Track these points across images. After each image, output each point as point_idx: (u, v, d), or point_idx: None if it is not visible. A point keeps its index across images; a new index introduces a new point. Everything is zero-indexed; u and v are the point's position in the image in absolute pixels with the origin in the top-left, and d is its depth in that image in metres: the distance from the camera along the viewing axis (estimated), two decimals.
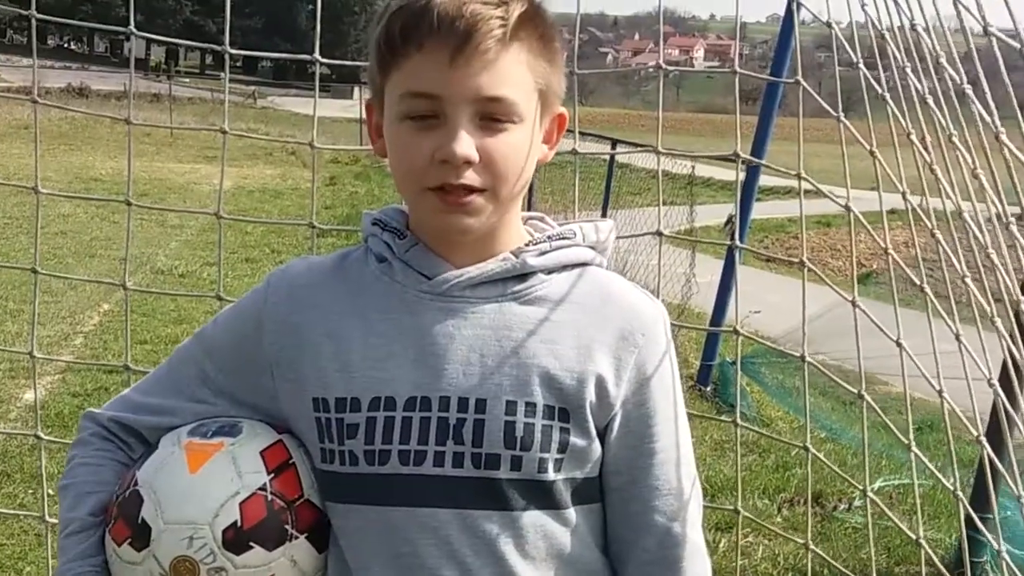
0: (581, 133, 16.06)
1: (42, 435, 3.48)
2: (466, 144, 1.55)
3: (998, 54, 2.52)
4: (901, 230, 3.29)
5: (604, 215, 12.54)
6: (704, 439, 7.58)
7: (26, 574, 5.08)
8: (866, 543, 5.72)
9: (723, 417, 7.49)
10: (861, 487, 3.41)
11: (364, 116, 1.75)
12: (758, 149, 8.08)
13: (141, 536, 1.63)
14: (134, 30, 3.08)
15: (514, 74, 1.59)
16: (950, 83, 2.54)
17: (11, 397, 7.45)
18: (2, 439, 6.57)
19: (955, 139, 2.57)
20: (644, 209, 12.71)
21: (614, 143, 13.45)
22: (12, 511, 5.45)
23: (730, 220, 8.37)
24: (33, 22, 3.20)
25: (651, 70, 3.24)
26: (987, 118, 2.42)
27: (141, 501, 1.65)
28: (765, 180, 9.11)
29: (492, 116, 1.58)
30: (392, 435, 1.61)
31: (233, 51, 3.10)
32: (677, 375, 1.74)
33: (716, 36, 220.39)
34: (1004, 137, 2.35)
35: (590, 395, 1.64)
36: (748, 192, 8.57)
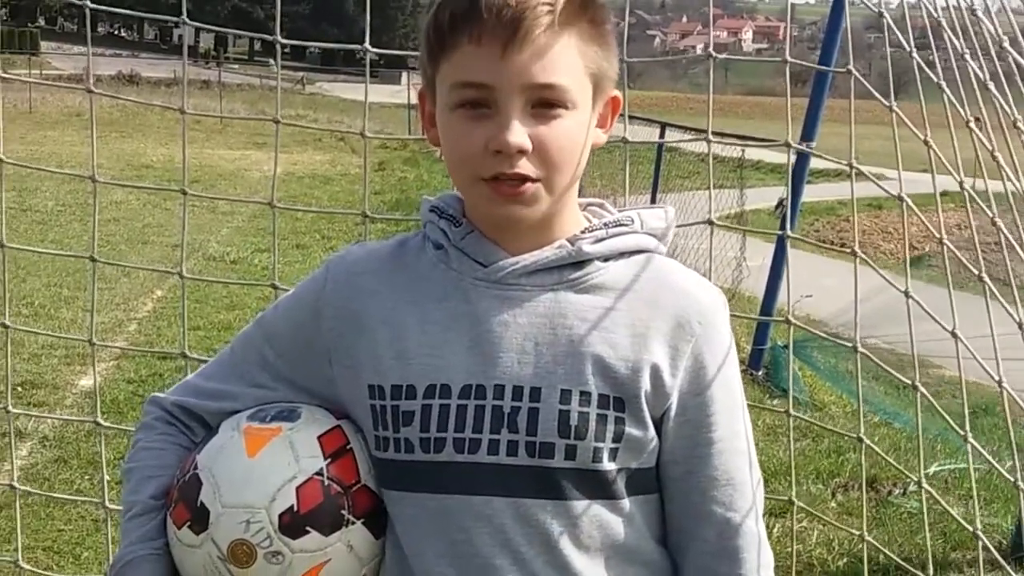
0: (630, 117, 16.00)
1: (102, 421, 3.52)
2: (519, 133, 1.54)
3: None
4: (954, 212, 3.26)
5: (653, 199, 12.49)
6: (757, 424, 7.48)
7: (84, 559, 5.14)
8: (921, 528, 5.67)
9: (775, 403, 7.45)
10: (915, 475, 3.37)
11: (415, 102, 1.74)
12: (808, 133, 8.01)
13: (200, 519, 1.64)
14: (186, 19, 3.09)
15: (565, 60, 1.57)
16: (1014, 66, 2.49)
17: (67, 383, 7.54)
18: (58, 425, 6.64)
19: (1020, 124, 2.52)
20: (694, 193, 12.63)
21: (663, 127, 13.39)
22: (70, 496, 5.50)
23: (780, 203, 8.30)
24: (88, 12, 3.22)
25: (699, 53, 3.21)
26: None
27: (200, 485, 1.66)
28: (816, 163, 9.03)
29: (545, 103, 1.57)
30: (447, 423, 1.61)
31: (284, 40, 3.10)
32: (736, 364, 1.72)
33: (764, 17, 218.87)
34: None
35: (645, 384, 1.62)
36: (799, 176, 8.51)
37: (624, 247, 1.70)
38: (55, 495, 5.44)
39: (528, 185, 1.57)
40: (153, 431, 1.83)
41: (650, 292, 1.67)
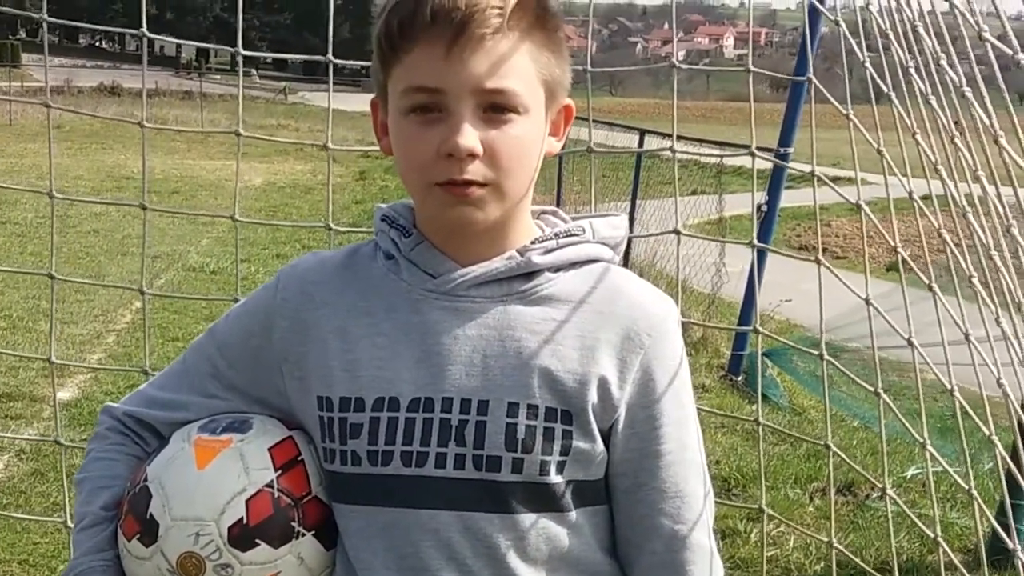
0: (609, 124, 16.01)
1: (62, 440, 3.51)
2: (470, 136, 1.53)
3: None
4: (934, 217, 3.25)
5: (633, 205, 12.50)
6: (736, 428, 7.56)
7: (60, 572, 5.11)
8: (899, 530, 5.69)
9: (753, 408, 7.44)
10: (887, 480, 3.37)
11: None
12: (785, 138, 8.03)
13: (149, 532, 1.63)
14: (145, 31, 3.08)
15: (516, 65, 1.56)
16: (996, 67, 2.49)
17: (45, 396, 7.50)
18: (36, 436, 6.61)
19: (1001, 139, 2.52)
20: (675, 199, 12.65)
21: (642, 134, 13.38)
22: (43, 517, 5.47)
23: (759, 208, 8.31)
24: (45, 25, 3.21)
25: (679, 61, 3.21)
26: (1010, 105, 2.38)
27: (150, 497, 1.65)
28: (799, 167, 9.05)
29: (496, 108, 1.56)
30: (395, 436, 1.60)
31: (246, 52, 3.10)
32: (687, 375, 1.70)
33: (745, 24, 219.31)
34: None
35: (592, 397, 1.61)
36: (776, 182, 8.52)
37: (575, 257, 1.69)
38: (12, 516, 5.40)
39: (475, 188, 1.56)
40: (105, 441, 1.82)
41: (600, 303, 1.66)
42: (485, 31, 1.53)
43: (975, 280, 2.68)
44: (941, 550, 3.05)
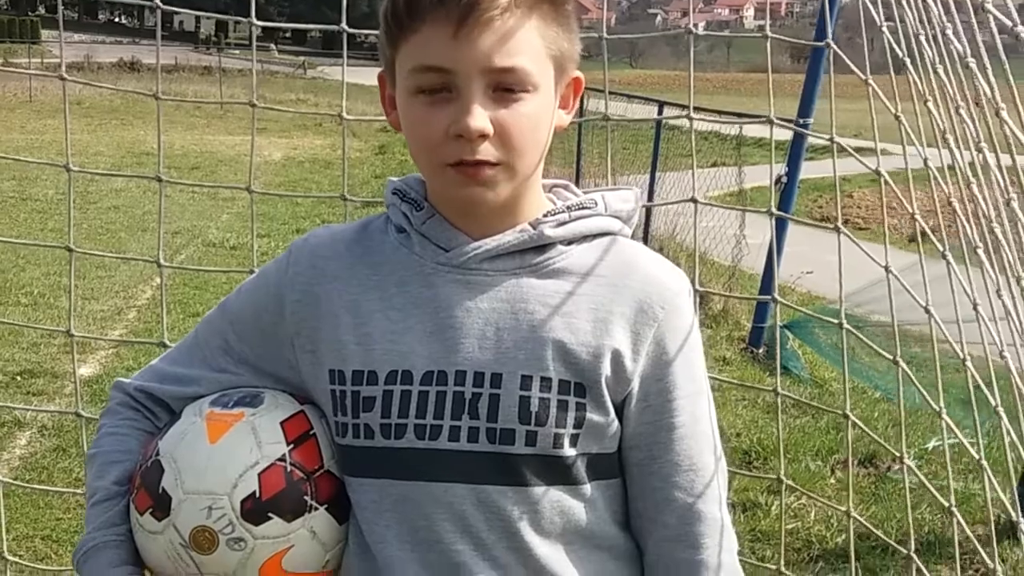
0: (628, 96, 15.92)
1: (83, 412, 3.52)
2: (480, 117, 1.52)
3: None
4: (957, 187, 3.22)
5: (652, 177, 12.46)
6: (757, 402, 7.54)
7: None
8: (920, 503, 5.66)
9: (765, 387, 7.42)
10: (908, 451, 3.36)
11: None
12: (805, 109, 7.98)
13: (162, 506, 1.63)
14: (159, 3, 3.07)
15: (524, 42, 1.54)
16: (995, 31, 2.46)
17: (67, 372, 7.53)
18: (58, 413, 6.64)
19: (1003, 113, 2.48)
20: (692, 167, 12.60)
21: (661, 105, 13.31)
22: (65, 489, 5.50)
23: (779, 180, 8.27)
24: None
25: (699, 31, 3.18)
26: None
27: (162, 471, 1.64)
28: (819, 140, 9.01)
29: (505, 87, 1.54)
30: (408, 409, 1.60)
31: (260, 23, 3.09)
32: (700, 349, 1.70)
33: None
34: None
35: (606, 370, 1.60)
36: (796, 153, 8.47)
37: (587, 230, 1.68)
38: (37, 487, 5.43)
39: (487, 168, 1.55)
40: (117, 416, 1.82)
41: (613, 276, 1.65)
42: (494, 11, 1.51)
43: (979, 251, 2.65)
44: (955, 520, 3.03)
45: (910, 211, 2.98)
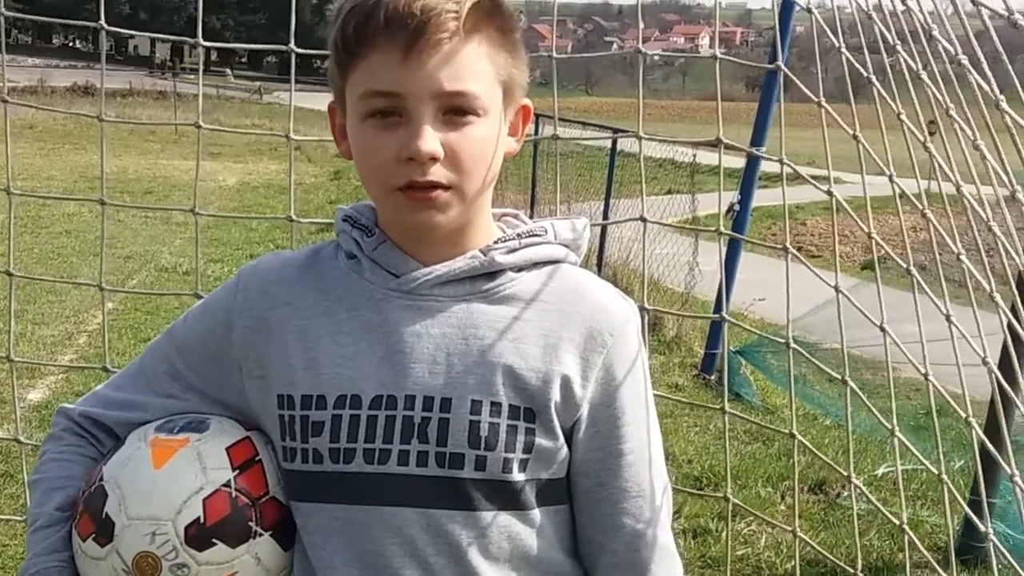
0: (584, 123, 15.98)
1: (22, 439, 3.50)
2: (431, 140, 1.53)
3: (993, 34, 2.49)
4: (908, 215, 3.27)
5: (607, 203, 12.52)
6: (708, 428, 7.58)
7: None
8: (869, 529, 5.71)
9: (715, 405, 7.46)
10: (857, 477, 3.39)
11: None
12: (758, 135, 8.04)
13: (105, 531, 1.62)
14: (104, 24, 3.06)
15: (473, 66, 1.56)
16: (945, 57, 2.50)
17: (11, 398, 7.44)
18: (6, 439, 6.56)
19: (953, 112, 2.53)
20: (648, 198, 12.67)
21: (615, 132, 13.40)
22: (12, 516, 5.44)
23: (731, 207, 8.33)
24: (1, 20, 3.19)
25: (656, 59, 3.19)
26: (985, 87, 2.38)
27: (106, 496, 1.64)
28: (771, 167, 9.09)
29: (456, 110, 1.56)
30: (358, 433, 1.60)
31: (204, 43, 3.09)
32: (647, 376, 1.72)
33: (722, 23, 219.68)
34: (1005, 105, 2.31)
35: (555, 395, 1.62)
36: (749, 180, 8.53)
37: (537, 257, 1.70)
38: None
39: (440, 192, 1.56)
40: (60, 442, 1.81)
41: (562, 303, 1.66)
42: (442, 35, 1.52)
43: (962, 258, 2.69)
44: (907, 538, 3.06)
45: (865, 231, 3.01)
